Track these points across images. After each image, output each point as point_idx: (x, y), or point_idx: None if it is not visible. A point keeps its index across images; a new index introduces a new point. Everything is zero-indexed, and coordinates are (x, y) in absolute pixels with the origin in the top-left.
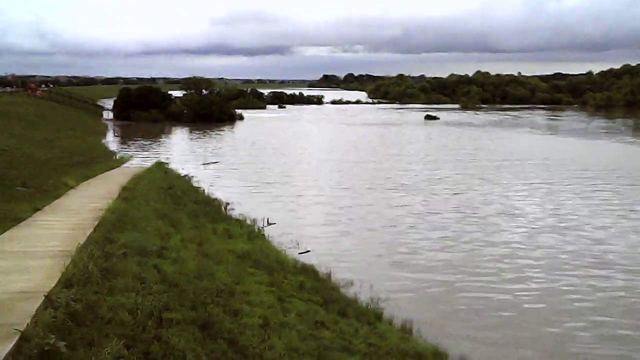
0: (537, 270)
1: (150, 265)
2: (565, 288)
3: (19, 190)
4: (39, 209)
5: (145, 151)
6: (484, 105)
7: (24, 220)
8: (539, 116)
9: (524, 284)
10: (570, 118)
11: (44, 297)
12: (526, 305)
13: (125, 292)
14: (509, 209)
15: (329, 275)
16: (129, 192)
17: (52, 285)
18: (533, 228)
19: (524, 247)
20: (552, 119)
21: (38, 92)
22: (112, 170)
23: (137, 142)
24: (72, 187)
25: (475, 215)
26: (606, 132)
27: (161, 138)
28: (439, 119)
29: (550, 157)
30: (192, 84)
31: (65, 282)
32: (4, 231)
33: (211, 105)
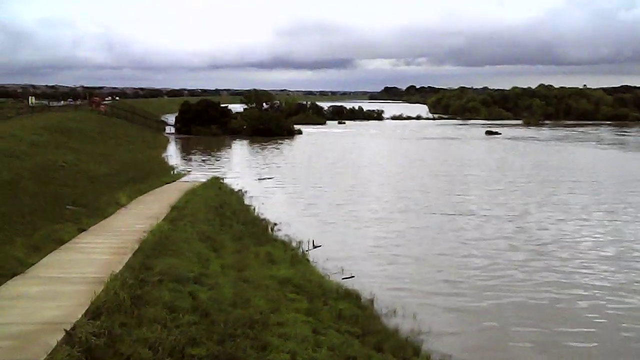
0: (598, 315)
1: (185, 292)
2: (627, 335)
3: (69, 209)
4: (84, 230)
5: (204, 165)
6: (547, 122)
7: (67, 242)
8: (606, 132)
9: (583, 329)
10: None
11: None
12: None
13: (153, 324)
14: (570, 237)
15: (371, 302)
16: (177, 212)
17: (80, 314)
18: (595, 260)
19: (584, 284)
20: (620, 134)
21: (101, 106)
22: (167, 186)
23: (197, 155)
24: (123, 206)
25: (532, 243)
26: None
27: (220, 151)
28: (500, 134)
29: (617, 175)
30: (253, 97)
31: (94, 311)
32: (45, 255)
33: (270, 122)
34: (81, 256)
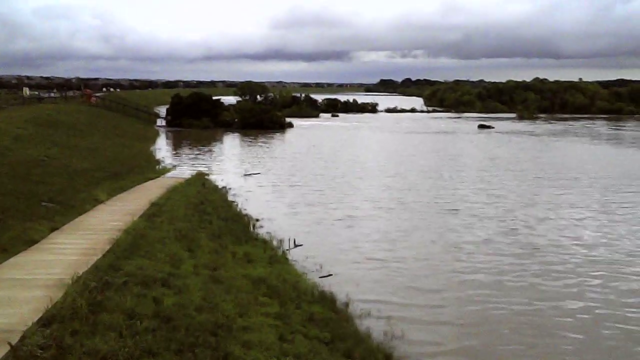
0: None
1: (149, 297)
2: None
3: (44, 206)
4: (56, 229)
5: (192, 159)
6: (541, 115)
7: (37, 242)
8: (602, 126)
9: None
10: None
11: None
12: None
13: (109, 332)
14: (565, 240)
15: (346, 304)
16: (156, 209)
17: (32, 322)
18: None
19: (578, 291)
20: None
21: (92, 99)
22: (150, 182)
23: (186, 149)
24: (101, 202)
25: (524, 248)
26: None
27: (209, 145)
28: (493, 127)
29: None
30: (246, 89)
31: (48, 318)
32: (11, 256)
33: (261, 115)
34: (49, 257)
